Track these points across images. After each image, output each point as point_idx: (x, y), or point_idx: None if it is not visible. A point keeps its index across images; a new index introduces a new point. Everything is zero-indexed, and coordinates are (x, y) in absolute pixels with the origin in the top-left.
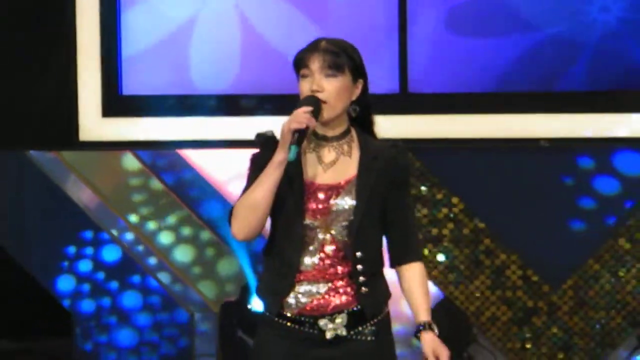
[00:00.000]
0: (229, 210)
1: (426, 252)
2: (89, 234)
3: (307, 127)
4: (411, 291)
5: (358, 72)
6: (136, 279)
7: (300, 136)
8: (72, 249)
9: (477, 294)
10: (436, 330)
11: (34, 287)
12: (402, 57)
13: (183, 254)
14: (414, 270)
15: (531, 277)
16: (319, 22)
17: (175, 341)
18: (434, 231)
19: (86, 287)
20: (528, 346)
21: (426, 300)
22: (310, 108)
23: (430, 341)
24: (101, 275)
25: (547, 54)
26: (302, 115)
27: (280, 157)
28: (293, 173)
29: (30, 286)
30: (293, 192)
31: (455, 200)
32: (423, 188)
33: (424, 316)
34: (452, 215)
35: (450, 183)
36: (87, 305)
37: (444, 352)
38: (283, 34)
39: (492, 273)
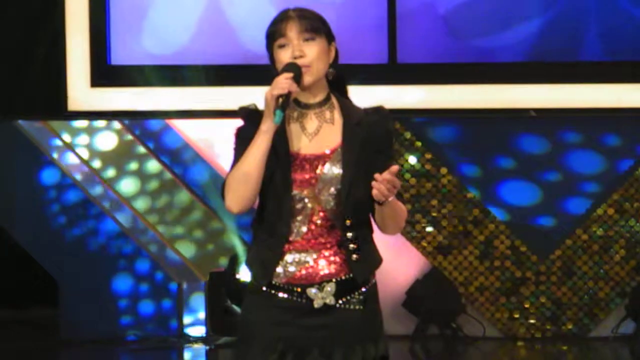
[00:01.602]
0: (221, 185)
1: (415, 223)
2: (79, 204)
3: (290, 92)
4: None
5: (330, 35)
6: (128, 247)
7: (283, 101)
8: (61, 219)
9: (466, 264)
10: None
11: (21, 256)
12: (391, 27)
13: (173, 223)
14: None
15: (519, 248)
16: None
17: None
18: (423, 202)
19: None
20: (516, 316)
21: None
22: (291, 74)
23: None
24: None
25: (537, 23)
26: (283, 82)
27: (266, 126)
28: (278, 145)
29: (17, 255)
30: (280, 164)
31: (443, 170)
32: (412, 158)
33: None
34: (440, 185)
35: (438, 154)
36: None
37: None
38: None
39: (480, 243)
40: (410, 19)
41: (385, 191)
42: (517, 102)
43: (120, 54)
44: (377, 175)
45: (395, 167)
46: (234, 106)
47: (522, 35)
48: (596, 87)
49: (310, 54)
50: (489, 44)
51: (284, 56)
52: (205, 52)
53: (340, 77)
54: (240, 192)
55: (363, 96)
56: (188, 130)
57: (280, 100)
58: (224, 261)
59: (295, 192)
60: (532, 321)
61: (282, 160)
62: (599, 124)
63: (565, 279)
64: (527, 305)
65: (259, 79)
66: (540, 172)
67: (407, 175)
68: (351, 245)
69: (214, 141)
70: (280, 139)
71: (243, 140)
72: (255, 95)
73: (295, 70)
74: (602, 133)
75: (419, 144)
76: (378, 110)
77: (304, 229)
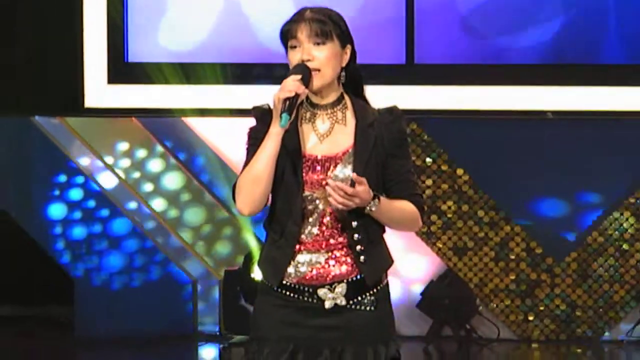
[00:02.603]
0: (232, 186)
1: (431, 223)
2: (91, 204)
3: (298, 95)
4: None
5: (345, 38)
6: (145, 244)
7: (290, 104)
8: (78, 217)
9: (481, 266)
10: (377, 201)
11: (37, 253)
12: (409, 27)
13: (188, 221)
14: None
15: (535, 250)
16: None
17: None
18: (439, 202)
19: (95, 259)
20: (531, 318)
21: (395, 202)
22: (298, 76)
23: (365, 182)
24: (105, 244)
25: (555, 26)
26: (291, 84)
27: (275, 129)
28: (290, 146)
29: (33, 252)
30: (292, 165)
31: (460, 171)
32: (428, 159)
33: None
34: (456, 186)
35: (455, 155)
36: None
37: (359, 190)
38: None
39: (496, 245)
40: (428, 19)
41: (338, 200)
42: (534, 104)
43: (138, 51)
44: (329, 182)
45: (354, 175)
46: (251, 104)
47: (541, 36)
48: (615, 89)
49: (319, 57)
50: (507, 44)
51: (294, 57)
52: (223, 49)
53: (356, 77)
54: (250, 195)
55: (379, 96)
56: (204, 128)
57: (287, 103)
58: (239, 260)
59: (306, 193)
60: (546, 323)
61: (294, 161)
62: (617, 126)
63: (580, 281)
64: (541, 308)
65: (277, 77)
66: (557, 174)
67: (423, 176)
68: (358, 247)
69: (231, 139)
70: (292, 140)
71: (255, 140)
72: (272, 93)
73: (304, 72)
74: (619, 136)
75: (435, 144)
76: (391, 111)
77: (315, 229)
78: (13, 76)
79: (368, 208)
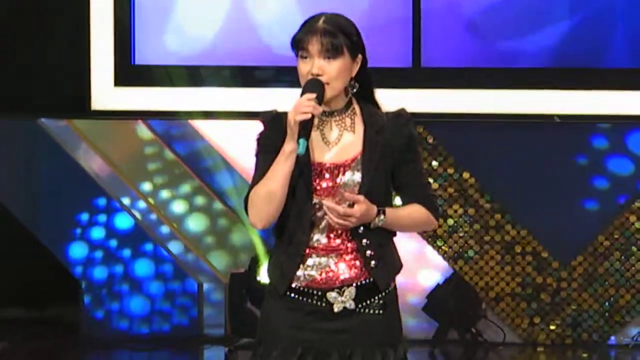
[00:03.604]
0: (244, 199)
1: (436, 226)
2: (102, 202)
3: (313, 116)
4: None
5: (356, 48)
6: (148, 247)
7: (307, 127)
8: (84, 216)
9: (487, 270)
10: (382, 216)
11: (44, 255)
12: (416, 31)
13: (195, 224)
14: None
15: (541, 254)
16: None
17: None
18: (445, 206)
19: (98, 254)
20: (537, 322)
21: (402, 210)
22: (314, 95)
23: (363, 201)
24: (113, 242)
25: (562, 29)
26: (306, 105)
27: (290, 147)
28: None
29: (40, 254)
30: (301, 173)
31: (466, 175)
32: (434, 163)
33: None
34: (463, 190)
35: (461, 158)
36: (99, 273)
37: (354, 210)
38: (306, 3)
39: (502, 249)
40: (435, 23)
41: (334, 220)
42: (541, 108)
43: (145, 54)
44: (324, 202)
45: (345, 194)
46: (258, 107)
47: (548, 40)
48: (622, 93)
49: (329, 72)
50: (514, 48)
51: (304, 68)
52: (230, 52)
53: (366, 82)
54: (265, 210)
55: (386, 99)
56: (211, 131)
57: (303, 127)
58: (245, 262)
59: (316, 200)
60: (552, 327)
61: (303, 169)
62: (624, 131)
63: (586, 285)
64: (547, 312)
65: (284, 80)
66: (563, 178)
67: (430, 180)
68: (368, 252)
69: (238, 142)
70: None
71: (264, 147)
72: (279, 96)
73: (319, 90)
74: (626, 140)
75: (441, 148)
76: (399, 115)
77: (324, 236)
78: (20, 78)
79: (373, 225)
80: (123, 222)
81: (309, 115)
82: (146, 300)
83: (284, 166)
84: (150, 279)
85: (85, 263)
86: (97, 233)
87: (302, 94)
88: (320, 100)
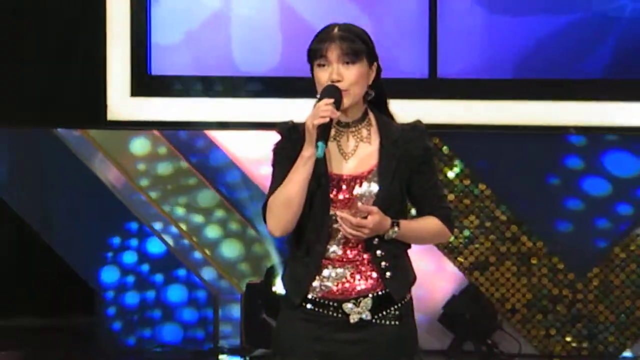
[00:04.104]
0: (262, 207)
1: (452, 238)
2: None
3: (332, 120)
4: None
5: (372, 56)
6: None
7: (324, 131)
8: (117, 241)
9: (503, 281)
10: (396, 228)
11: (58, 264)
12: (432, 42)
13: (210, 233)
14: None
15: (557, 265)
16: (355, 1)
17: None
18: (460, 217)
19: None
20: (552, 334)
21: (416, 222)
22: (331, 100)
23: (376, 212)
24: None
25: (576, 39)
26: (324, 110)
27: (308, 152)
28: (316, 165)
29: (55, 263)
30: (318, 184)
31: (482, 186)
32: (450, 174)
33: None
34: (478, 201)
35: (477, 169)
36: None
37: (367, 221)
38: (322, 15)
39: (517, 260)
40: (451, 33)
41: (347, 230)
42: (557, 119)
43: (161, 64)
44: (338, 213)
45: (359, 206)
46: (274, 118)
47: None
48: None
49: (348, 77)
50: (532, 59)
51: (323, 77)
52: (247, 63)
53: (380, 92)
54: (283, 217)
55: (402, 110)
56: (228, 141)
57: (322, 131)
58: (260, 273)
59: (332, 212)
60: (568, 339)
61: (320, 181)
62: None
63: (602, 297)
64: (563, 323)
65: (300, 91)
66: (580, 190)
67: (445, 191)
68: (383, 263)
69: (255, 153)
70: (318, 159)
71: (281, 157)
72: (296, 107)
73: (336, 96)
74: None
75: (457, 159)
76: (415, 127)
77: (341, 247)
78: (36, 88)
79: (386, 236)
80: (142, 231)
81: (327, 120)
82: (162, 309)
83: (302, 171)
84: (165, 287)
85: (102, 277)
86: (100, 233)
87: (319, 100)
88: (337, 105)
